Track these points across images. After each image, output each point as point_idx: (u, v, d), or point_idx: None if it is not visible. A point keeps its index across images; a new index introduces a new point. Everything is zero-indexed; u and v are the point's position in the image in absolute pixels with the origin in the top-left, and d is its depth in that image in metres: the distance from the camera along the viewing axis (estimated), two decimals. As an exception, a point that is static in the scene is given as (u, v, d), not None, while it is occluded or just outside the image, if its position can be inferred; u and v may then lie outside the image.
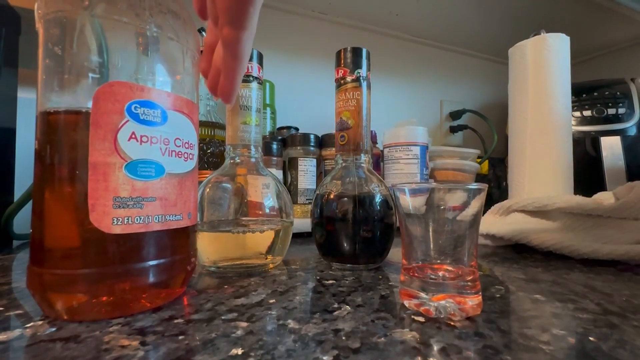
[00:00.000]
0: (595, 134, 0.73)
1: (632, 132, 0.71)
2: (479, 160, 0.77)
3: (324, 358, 0.15)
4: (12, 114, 0.45)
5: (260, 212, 0.34)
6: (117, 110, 0.19)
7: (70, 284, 0.18)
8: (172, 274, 0.22)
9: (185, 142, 0.22)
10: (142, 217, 0.20)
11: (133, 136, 0.19)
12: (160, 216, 0.21)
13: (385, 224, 0.32)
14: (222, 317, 0.20)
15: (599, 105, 0.74)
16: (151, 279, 0.20)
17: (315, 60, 0.82)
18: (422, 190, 0.22)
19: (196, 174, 0.24)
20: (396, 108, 0.93)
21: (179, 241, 0.23)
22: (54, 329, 0.18)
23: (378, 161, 0.64)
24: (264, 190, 0.34)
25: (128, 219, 0.19)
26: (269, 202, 0.34)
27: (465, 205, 0.21)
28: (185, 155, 0.23)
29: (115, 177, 0.19)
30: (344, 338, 0.17)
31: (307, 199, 0.55)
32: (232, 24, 0.22)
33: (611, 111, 0.73)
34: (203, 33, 0.60)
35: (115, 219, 0.19)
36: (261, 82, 0.35)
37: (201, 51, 0.27)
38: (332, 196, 0.33)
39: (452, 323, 0.19)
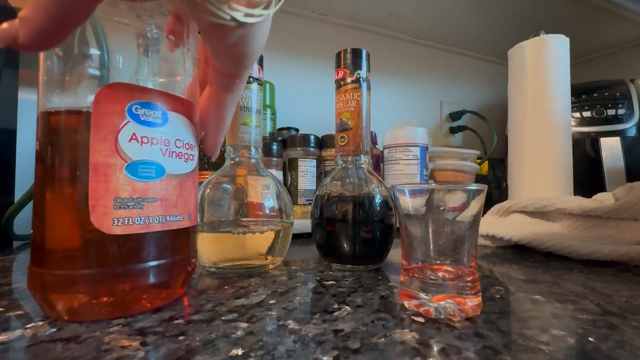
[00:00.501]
0: (595, 135, 0.73)
1: (632, 133, 0.71)
2: (478, 161, 0.77)
3: (324, 358, 0.15)
4: (12, 115, 0.45)
5: (261, 213, 0.34)
6: (117, 111, 0.19)
7: (70, 284, 0.18)
8: (173, 274, 0.22)
9: (186, 143, 0.23)
10: (143, 218, 0.20)
11: (134, 137, 0.19)
12: (160, 217, 0.21)
13: (385, 224, 0.32)
14: (222, 318, 0.20)
15: (598, 106, 0.74)
16: (151, 279, 0.20)
17: (315, 61, 0.82)
18: (422, 191, 0.22)
19: (196, 175, 0.24)
20: (396, 109, 0.93)
21: (179, 242, 0.23)
22: (54, 330, 0.18)
23: (378, 162, 0.64)
24: (264, 191, 0.34)
25: (129, 220, 0.19)
26: (269, 202, 0.34)
27: (465, 206, 0.21)
28: (186, 156, 0.23)
29: (116, 178, 0.19)
30: (344, 338, 0.17)
31: (307, 200, 0.55)
32: (219, 88, 0.23)
33: (611, 112, 0.73)
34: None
35: (116, 220, 0.19)
36: (261, 83, 0.35)
37: None
38: (332, 197, 0.33)
39: (451, 324, 0.19)
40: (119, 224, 0.19)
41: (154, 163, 0.20)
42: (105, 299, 0.19)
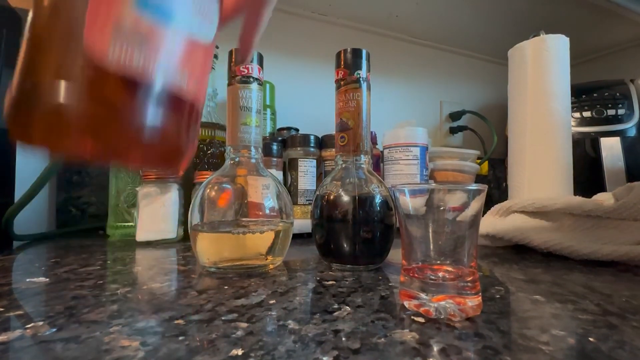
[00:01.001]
0: (595, 135, 0.73)
1: (632, 133, 0.71)
2: (478, 161, 0.77)
3: (324, 359, 0.15)
4: (12, 114, 0.45)
5: (261, 213, 0.34)
6: None
7: (53, 110, 0.15)
8: (167, 131, 0.18)
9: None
10: (142, 61, 0.16)
11: None
12: (161, 70, 0.17)
13: (385, 224, 0.32)
14: (222, 318, 0.20)
15: (598, 106, 0.74)
16: (142, 128, 0.17)
17: (316, 61, 0.82)
18: (422, 191, 0.22)
19: (211, 50, 0.21)
20: (396, 109, 0.93)
21: (177, 115, 0.19)
22: (54, 330, 0.18)
23: (378, 162, 0.64)
24: (264, 191, 0.34)
25: (126, 55, 0.16)
26: (269, 202, 0.34)
27: (465, 206, 0.21)
28: (208, 18, 0.19)
29: (120, 2, 0.16)
30: (344, 339, 0.17)
31: (307, 200, 0.55)
32: None
33: (611, 112, 0.73)
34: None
35: (112, 49, 0.15)
36: (261, 83, 0.35)
37: None
38: (332, 197, 0.33)
39: (452, 324, 0.19)
40: (115, 56, 0.15)
41: (166, 7, 0.17)
42: (86, 132, 0.17)
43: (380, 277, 0.29)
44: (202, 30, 0.20)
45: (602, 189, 0.69)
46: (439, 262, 0.22)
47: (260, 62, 0.35)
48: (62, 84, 0.16)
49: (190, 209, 0.32)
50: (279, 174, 0.54)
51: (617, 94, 0.74)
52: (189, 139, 0.21)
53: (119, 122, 0.17)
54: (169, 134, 0.19)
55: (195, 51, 0.19)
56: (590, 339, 0.17)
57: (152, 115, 0.18)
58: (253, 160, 0.34)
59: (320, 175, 0.60)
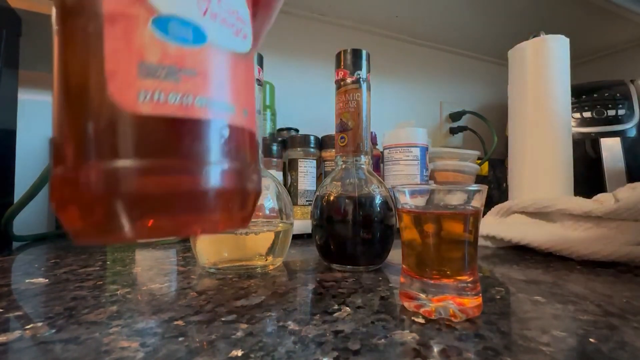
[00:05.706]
0: (595, 136, 0.73)
1: (632, 133, 0.71)
2: (479, 161, 0.77)
3: (324, 359, 0.15)
4: (12, 115, 0.45)
5: (260, 214, 0.34)
6: None
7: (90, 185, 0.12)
8: (224, 186, 0.14)
9: (233, 11, 0.15)
10: (180, 96, 0.13)
11: None
12: (204, 99, 0.14)
13: (385, 225, 0.32)
14: (222, 319, 0.20)
15: (598, 106, 0.74)
16: (197, 184, 0.13)
17: (315, 62, 0.82)
18: (422, 192, 0.22)
19: (252, 64, 0.17)
20: (396, 109, 0.93)
21: (233, 142, 0.15)
22: (53, 331, 0.18)
23: (378, 162, 0.64)
24: (264, 192, 0.34)
25: (160, 95, 0.12)
26: (269, 203, 0.34)
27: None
28: (236, 28, 0.15)
29: (140, 34, 0.13)
30: (344, 340, 0.17)
31: (307, 201, 0.55)
32: None
33: (611, 113, 0.73)
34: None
35: (143, 94, 0.12)
36: (261, 83, 0.35)
37: None
38: (332, 197, 0.33)
39: (452, 325, 0.19)
40: (147, 99, 0.12)
41: (190, 22, 0.13)
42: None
43: (380, 278, 0.29)
44: (238, 42, 0.16)
45: (602, 189, 0.69)
46: (439, 262, 0.22)
47: (260, 63, 0.35)
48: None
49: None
50: (278, 175, 0.54)
51: (617, 95, 0.74)
52: (257, 181, 0.17)
53: (182, 182, 0.13)
54: (238, 180, 0.15)
55: (235, 64, 0.15)
56: (591, 340, 0.17)
57: (219, 157, 0.14)
58: (253, 161, 0.34)
59: (320, 176, 0.60)
